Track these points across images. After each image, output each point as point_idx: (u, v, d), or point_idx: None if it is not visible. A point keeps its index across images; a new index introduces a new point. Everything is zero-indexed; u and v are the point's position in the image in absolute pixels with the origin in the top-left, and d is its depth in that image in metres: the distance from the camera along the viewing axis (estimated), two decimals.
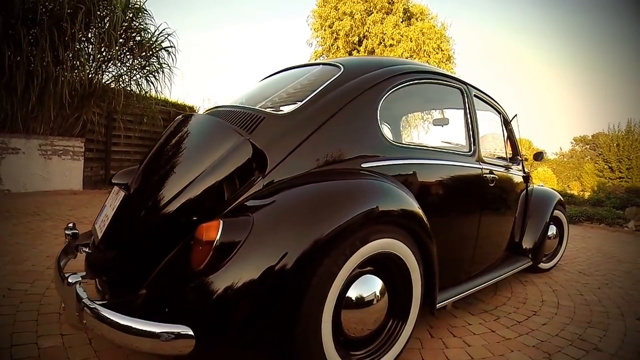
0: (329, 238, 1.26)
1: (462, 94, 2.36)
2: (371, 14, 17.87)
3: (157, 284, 1.32)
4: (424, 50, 17.46)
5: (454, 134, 2.40)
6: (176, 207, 1.43)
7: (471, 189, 2.26)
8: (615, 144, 25.47)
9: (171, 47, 7.68)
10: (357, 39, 18.16)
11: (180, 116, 1.90)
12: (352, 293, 1.42)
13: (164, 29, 7.53)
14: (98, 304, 1.21)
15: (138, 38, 7.31)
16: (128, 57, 7.39)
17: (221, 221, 1.21)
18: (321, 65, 2.06)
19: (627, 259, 4.32)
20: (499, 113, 2.94)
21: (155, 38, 7.45)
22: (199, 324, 1.15)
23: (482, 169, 2.31)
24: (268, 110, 1.71)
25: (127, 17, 6.89)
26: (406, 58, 16.43)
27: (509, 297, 2.72)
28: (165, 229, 1.45)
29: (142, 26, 7.26)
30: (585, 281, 3.22)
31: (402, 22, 17.99)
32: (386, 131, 1.80)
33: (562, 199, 3.60)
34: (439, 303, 1.84)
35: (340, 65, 1.87)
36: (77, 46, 6.25)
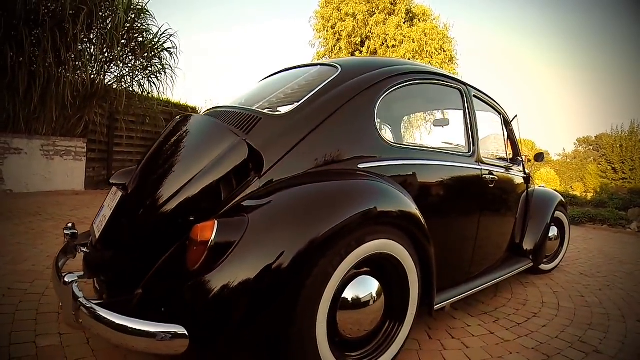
0: (324, 239, 1.26)
1: (461, 94, 2.35)
2: (374, 14, 17.87)
3: (153, 283, 1.32)
4: (427, 51, 17.44)
5: (453, 134, 2.39)
6: (173, 207, 1.44)
7: (470, 190, 2.25)
8: (618, 145, 25.40)
9: (173, 48, 7.71)
10: (359, 40, 18.16)
11: (178, 117, 1.91)
12: (348, 294, 1.41)
13: (165, 30, 7.56)
14: (94, 303, 1.22)
15: (140, 39, 7.32)
16: (130, 58, 7.40)
17: (216, 221, 1.21)
18: (319, 66, 2.06)
19: (629, 260, 4.30)
20: (499, 113, 2.93)
21: (157, 39, 7.47)
22: (192, 324, 1.15)
23: (481, 169, 2.30)
24: (265, 110, 1.71)
25: (129, 18, 6.90)
26: (409, 59, 16.44)
27: (509, 298, 2.71)
28: (162, 229, 1.46)
29: (144, 27, 7.28)
30: (587, 283, 3.21)
31: (404, 23, 17.97)
32: (384, 132, 1.80)
33: (563, 200, 3.58)
34: (437, 304, 1.83)
35: (338, 66, 1.87)
36: (80, 47, 6.26)
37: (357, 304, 1.43)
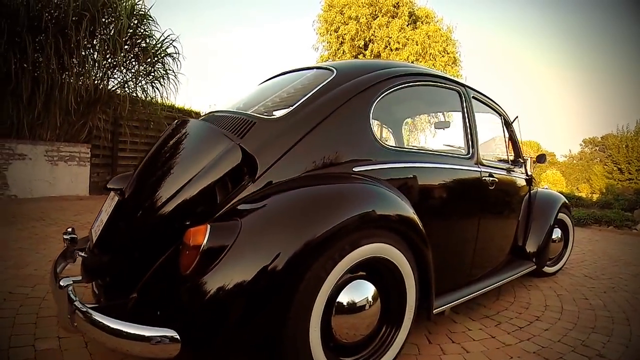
0: (317, 242, 1.26)
1: (460, 96, 2.34)
2: (377, 17, 17.87)
3: (148, 287, 1.33)
4: (430, 54, 17.41)
5: (452, 136, 2.38)
6: (168, 211, 1.45)
7: (469, 193, 2.23)
8: (624, 145, 25.22)
9: (176, 53, 7.75)
10: (362, 43, 18.16)
11: (175, 122, 1.91)
12: (343, 298, 1.40)
13: (168, 35, 7.60)
14: (89, 307, 1.23)
15: (143, 44, 7.36)
16: (133, 63, 7.45)
17: (208, 226, 1.21)
18: (315, 69, 2.06)
19: (634, 261, 4.25)
20: (500, 115, 2.91)
21: (160, 44, 7.51)
22: (185, 328, 1.15)
23: (480, 172, 2.28)
24: (260, 115, 1.71)
25: (132, 24, 6.95)
26: (412, 62, 16.42)
27: (512, 302, 2.68)
28: (157, 233, 1.47)
29: (147, 33, 7.32)
30: (591, 285, 3.17)
31: (407, 25, 17.96)
32: (379, 134, 1.79)
33: (567, 201, 3.54)
34: (436, 308, 1.81)
35: (333, 69, 1.87)
36: (83, 53, 6.32)
37: (353, 308, 1.42)
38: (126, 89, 7.49)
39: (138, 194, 1.62)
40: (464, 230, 2.23)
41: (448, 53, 17.93)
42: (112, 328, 1.16)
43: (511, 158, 3.01)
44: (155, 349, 1.14)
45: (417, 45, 17.30)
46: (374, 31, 17.85)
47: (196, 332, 1.16)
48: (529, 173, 3.20)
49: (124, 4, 6.71)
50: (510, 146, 3.11)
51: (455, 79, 2.43)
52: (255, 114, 1.72)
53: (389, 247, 1.49)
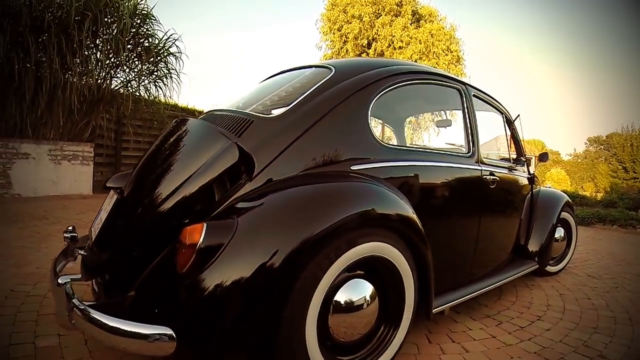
0: (314, 241, 1.25)
1: (460, 94, 2.32)
2: (380, 16, 17.83)
3: (145, 285, 1.33)
4: (433, 52, 17.37)
5: (452, 135, 2.36)
6: (166, 209, 1.46)
7: (469, 191, 2.21)
8: (629, 144, 25.07)
9: (179, 52, 7.75)
10: (366, 42, 18.14)
11: (174, 121, 1.92)
12: (341, 297, 1.40)
13: (171, 35, 7.61)
14: (87, 305, 1.24)
15: (146, 44, 7.37)
16: (136, 62, 7.45)
17: (204, 224, 1.21)
18: (314, 68, 2.05)
19: (638, 261, 4.22)
20: (501, 113, 2.89)
21: (163, 44, 7.52)
22: (181, 326, 1.16)
23: (481, 170, 2.27)
24: (258, 113, 1.71)
25: (134, 23, 6.96)
26: (415, 60, 16.40)
27: (514, 301, 2.66)
28: (155, 231, 1.48)
29: (149, 32, 7.33)
30: (594, 285, 3.15)
31: (411, 24, 17.92)
32: (378, 133, 1.78)
33: (569, 200, 3.52)
34: (436, 308, 1.81)
35: (332, 67, 1.86)
36: (85, 52, 6.33)
37: (350, 307, 1.41)
38: (129, 88, 7.49)
39: (136, 192, 1.63)
40: (464, 229, 2.22)
41: (451, 51, 17.88)
42: (110, 325, 1.16)
43: (513, 156, 2.99)
44: (152, 347, 1.15)
45: (421, 43, 17.26)
46: (377, 30, 17.82)
47: (192, 330, 1.16)
48: (531, 171, 3.18)
49: (127, 3, 6.72)
50: (512, 145, 3.09)
51: (456, 77, 2.42)
52: (253, 113, 1.72)
53: (386, 246, 1.48)
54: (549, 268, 3.26)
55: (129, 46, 6.98)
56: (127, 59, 7.17)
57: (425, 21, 18.29)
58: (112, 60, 7.00)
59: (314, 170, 1.54)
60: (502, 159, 2.80)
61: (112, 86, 7.29)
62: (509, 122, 2.99)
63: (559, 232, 3.36)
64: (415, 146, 2.19)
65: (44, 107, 6.09)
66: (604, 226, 7.04)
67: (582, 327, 2.26)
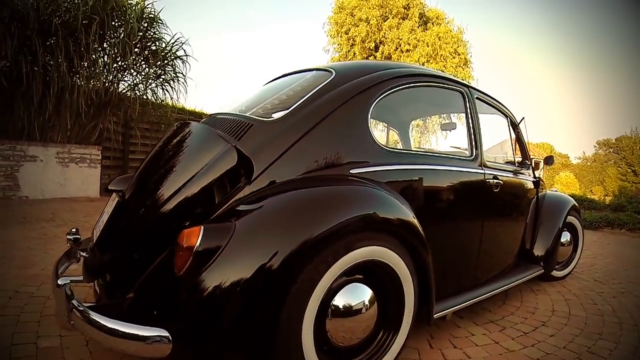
0: (310, 245, 1.25)
1: (463, 96, 2.31)
2: (387, 19, 17.81)
3: (143, 287, 1.34)
4: (441, 55, 17.29)
5: (455, 138, 2.35)
6: (166, 212, 1.47)
7: (472, 195, 2.19)
8: (638, 147, 24.75)
9: (185, 55, 7.81)
10: (373, 45, 18.11)
11: (176, 124, 1.93)
12: (339, 301, 1.39)
13: (178, 38, 7.67)
14: (86, 306, 1.25)
15: (153, 47, 7.44)
16: (143, 66, 7.52)
17: (202, 227, 1.21)
18: (314, 71, 2.05)
19: None
20: (506, 116, 2.87)
21: (170, 47, 7.58)
22: (176, 328, 1.16)
23: (484, 174, 2.25)
24: (258, 117, 1.71)
25: (141, 27, 7.02)
26: (422, 63, 16.35)
27: (518, 306, 2.63)
28: (155, 233, 1.48)
29: (156, 36, 7.40)
30: (601, 290, 3.10)
31: (418, 27, 17.87)
32: (378, 136, 1.77)
33: (576, 204, 3.48)
34: (437, 313, 1.79)
35: (332, 70, 1.86)
36: (93, 56, 6.39)
37: (348, 311, 1.40)
38: (136, 91, 7.57)
39: (137, 195, 1.65)
40: (467, 234, 2.20)
41: (459, 54, 17.79)
42: (108, 327, 1.17)
43: (518, 160, 2.96)
44: (150, 349, 1.15)
45: (428, 46, 17.19)
46: (385, 33, 17.79)
47: (188, 332, 1.16)
48: (537, 175, 3.15)
49: (134, 7, 6.79)
50: (517, 148, 3.06)
51: (458, 79, 2.40)
52: (253, 116, 1.72)
53: (385, 250, 1.47)
54: (555, 273, 3.22)
55: (136, 49, 7.05)
56: (134, 62, 7.24)
57: (432, 24, 18.24)
58: (119, 63, 7.07)
59: (313, 173, 1.54)
60: (506, 163, 2.77)
61: (120, 89, 7.36)
62: (514, 125, 2.96)
63: (565, 237, 3.31)
64: (416, 150, 2.18)
65: (52, 110, 6.16)
66: (612, 230, 6.96)
67: (587, 333, 2.22)
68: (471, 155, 2.25)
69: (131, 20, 6.60)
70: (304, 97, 1.69)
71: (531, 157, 3.17)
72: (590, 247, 5.12)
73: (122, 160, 8.39)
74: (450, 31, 17.86)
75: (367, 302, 1.45)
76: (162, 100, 7.96)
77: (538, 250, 2.99)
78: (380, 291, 1.53)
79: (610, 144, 35.29)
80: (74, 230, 1.91)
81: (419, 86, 2.07)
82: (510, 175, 2.63)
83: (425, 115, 3.08)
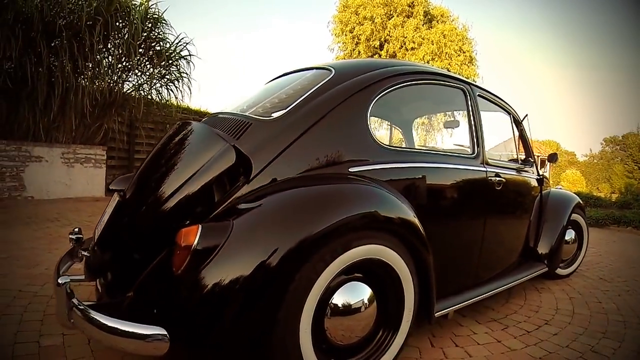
0: (308, 244, 1.25)
1: (465, 94, 2.29)
2: (392, 17, 17.76)
3: (143, 286, 1.35)
4: (446, 53, 17.23)
5: (458, 135, 2.34)
6: (166, 211, 1.48)
7: (474, 193, 2.17)
8: None
9: (189, 55, 7.83)
10: (378, 44, 18.07)
11: (176, 124, 1.94)
12: (338, 300, 1.38)
13: (182, 38, 7.69)
14: (86, 305, 1.26)
15: (157, 47, 7.46)
16: (148, 66, 7.55)
17: (200, 226, 1.22)
18: (314, 70, 2.04)
19: None
20: (509, 113, 2.85)
21: (174, 47, 7.61)
22: (174, 326, 1.17)
23: (486, 171, 2.23)
24: (257, 116, 1.71)
25: (145, 27, 7.05)
26: (427, 61, 16.29)
27: (522, 305, 2.61)
28: (155, 232, 1.49)
29: (161, 36, 7.42)
30: (605, 288, 3.07)
31: (423, 25, 17.80)
32: (378, 134, 1.76)
33: (580, 201, 3.45)
34: (439, 311, 1.78)
35: (332, 69, 1.85)
36: (97, 57, 6.43)
37: (347, 310, 1.40)
38: (141, 91, 7.59)
39: (138, 194, 1.66)
40: (468, 232, 2.18)
41: (464, 52, 17.70)
42: (107, 325, 1.18)
43: (522, 157, 2.94)
44: (149, 347, 1.16)
45: (433, 44, 17.13)
46: (389, 31, 17.74)
47: (186, 331, 1.17)
48: (542, 172, 3.12)
49: (138, 8, 6.82)
50: (521, 145, 3.04)
51: (460, 76, 2.38)
52: (252, 115, 1.72)
53: (384, 249, 1.46)
54: (559, 271, 3.20)
55: (140, 50, 7.08)
56: (138, 62, 7.26)
57: (437, 22, 18.16)
58: (123, 64, 7.11)
59: (312, 172, 1.54)
60: (510, 160, 2.75)
61: (124, 90, 7.38)
62: (517, 122, 2.94)
63: (570, 234, 3.29)
64: (417, 147, 2.17)
65: (57, 111, 6.20)
66: (618, 227, 6.90)
67: (591, 331, 2.20)
68: (473, 153, 2.23)
69: (135, 21, 6.63)
70: (303, 95, 1.69)
71: (535, 154, 3.14)
72: (596, 244, 5.08)
73: (127, 160, 8.43)
74: (455, 29, 17.78)
75: (366, 301, 1.45)
76: (167, 100, 7.98)
77: (542, 248, 2.97)
78: (379, 290, 1.52)
79: (617, 141, 34.95)
80: (76, 229, 1.92)
81: (420, 84, 2.06)
82: (513, 172, 2.60)
83: (427, 113, 3.06)
